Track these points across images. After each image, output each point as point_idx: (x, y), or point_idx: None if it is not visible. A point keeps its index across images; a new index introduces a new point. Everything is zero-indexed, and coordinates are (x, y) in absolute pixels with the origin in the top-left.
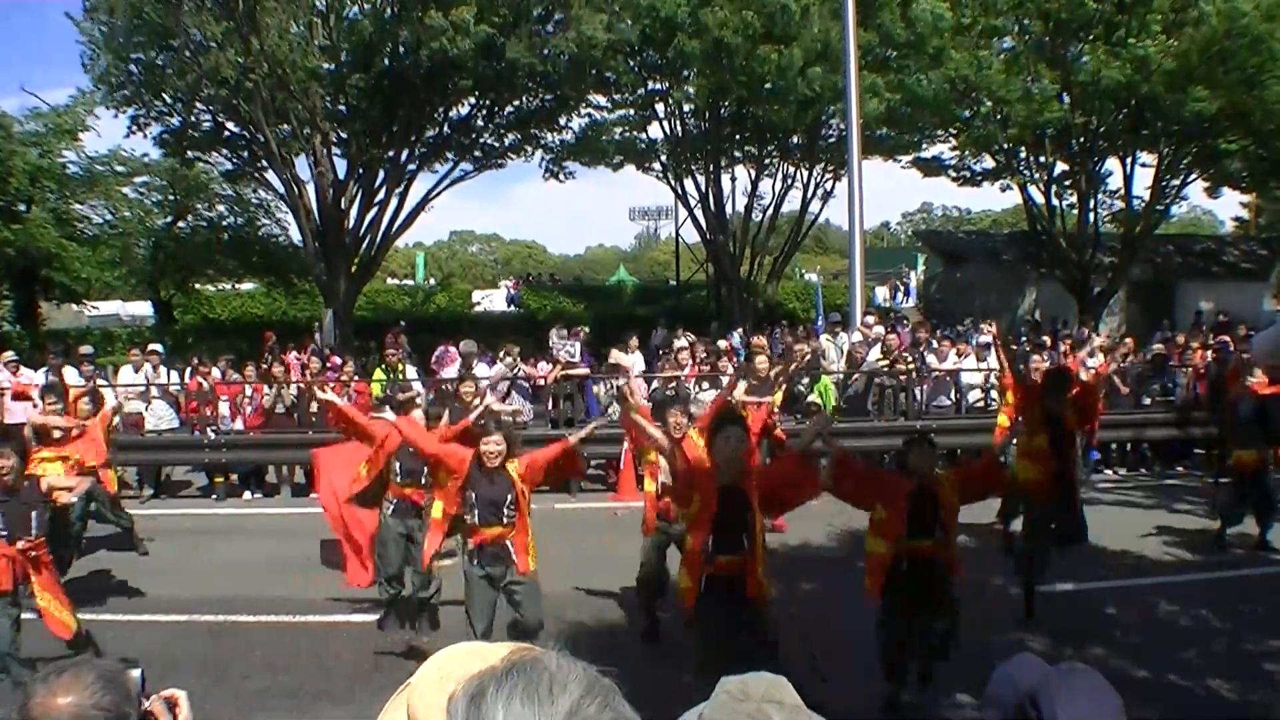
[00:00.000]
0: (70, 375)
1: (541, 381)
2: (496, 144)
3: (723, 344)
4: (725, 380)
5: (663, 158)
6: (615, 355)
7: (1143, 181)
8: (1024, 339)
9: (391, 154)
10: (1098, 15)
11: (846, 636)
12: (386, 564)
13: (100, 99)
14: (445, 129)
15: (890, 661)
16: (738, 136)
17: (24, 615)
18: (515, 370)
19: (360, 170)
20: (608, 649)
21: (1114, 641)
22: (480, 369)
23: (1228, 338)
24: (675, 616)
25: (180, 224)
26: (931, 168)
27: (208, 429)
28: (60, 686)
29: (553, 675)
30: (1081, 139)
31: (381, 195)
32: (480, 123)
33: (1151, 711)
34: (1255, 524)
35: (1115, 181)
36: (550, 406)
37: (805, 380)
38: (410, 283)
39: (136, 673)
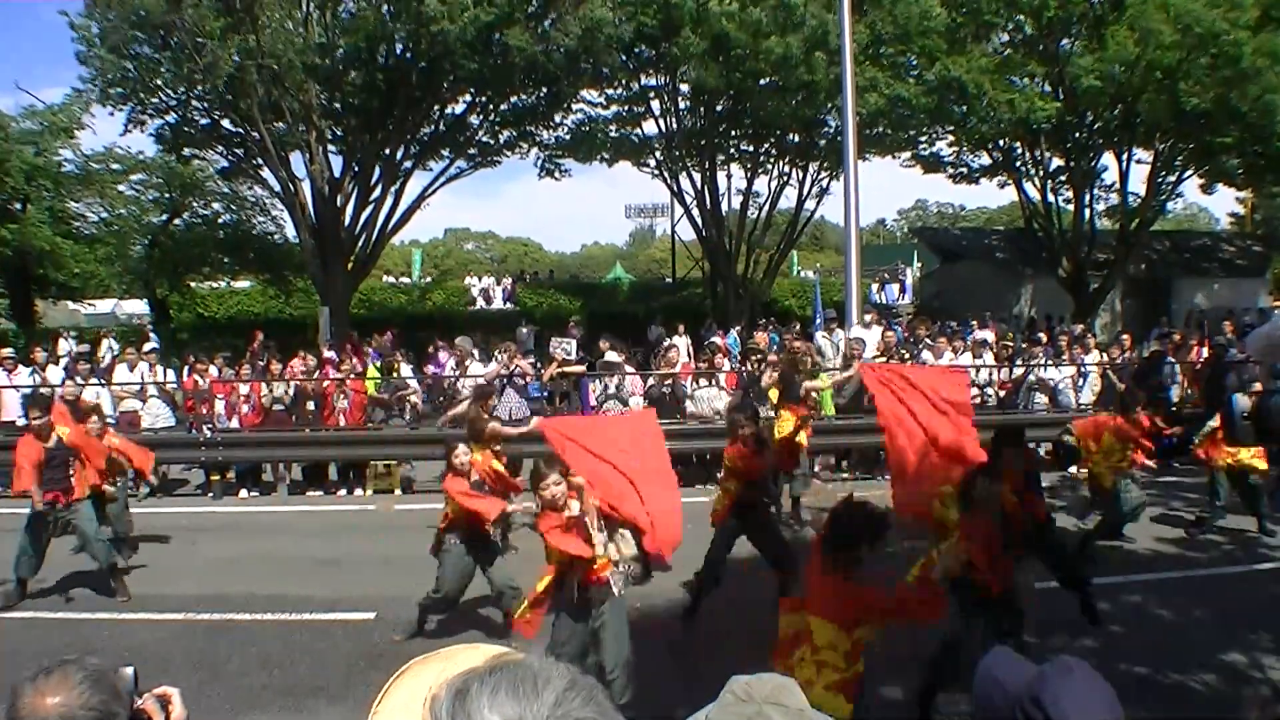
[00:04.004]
0: (53, 374)
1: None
2: (491, 141)
3: (717, 341)
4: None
5: (658, 154)
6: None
7: (1138, 178)
8: (1020, 337)
9: (387, 151)
10: (1086, 11)
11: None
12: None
13: (96, 96)
14: (440, 126)
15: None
16: (733, 133)
17: (19, 615)
18: (512, 368)
19: (356, 167)
20: None
21: (1102, 637)
22: (475, 367)
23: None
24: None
25: (176, 221)
26: (930, 164)
27: (204, 427)
28: (48, 687)
29: (536, 672)
30: (1077, 134)
31: (377, 192)
32: (475, 120)
33: (1138, 708)
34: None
35: (1111, 177)
36: (547, 403)
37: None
38: (407, 280)
39: (129, 670)
